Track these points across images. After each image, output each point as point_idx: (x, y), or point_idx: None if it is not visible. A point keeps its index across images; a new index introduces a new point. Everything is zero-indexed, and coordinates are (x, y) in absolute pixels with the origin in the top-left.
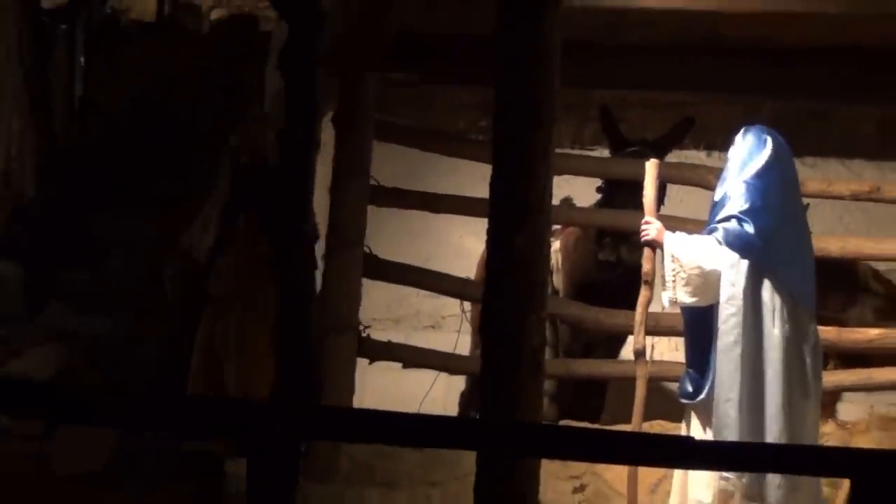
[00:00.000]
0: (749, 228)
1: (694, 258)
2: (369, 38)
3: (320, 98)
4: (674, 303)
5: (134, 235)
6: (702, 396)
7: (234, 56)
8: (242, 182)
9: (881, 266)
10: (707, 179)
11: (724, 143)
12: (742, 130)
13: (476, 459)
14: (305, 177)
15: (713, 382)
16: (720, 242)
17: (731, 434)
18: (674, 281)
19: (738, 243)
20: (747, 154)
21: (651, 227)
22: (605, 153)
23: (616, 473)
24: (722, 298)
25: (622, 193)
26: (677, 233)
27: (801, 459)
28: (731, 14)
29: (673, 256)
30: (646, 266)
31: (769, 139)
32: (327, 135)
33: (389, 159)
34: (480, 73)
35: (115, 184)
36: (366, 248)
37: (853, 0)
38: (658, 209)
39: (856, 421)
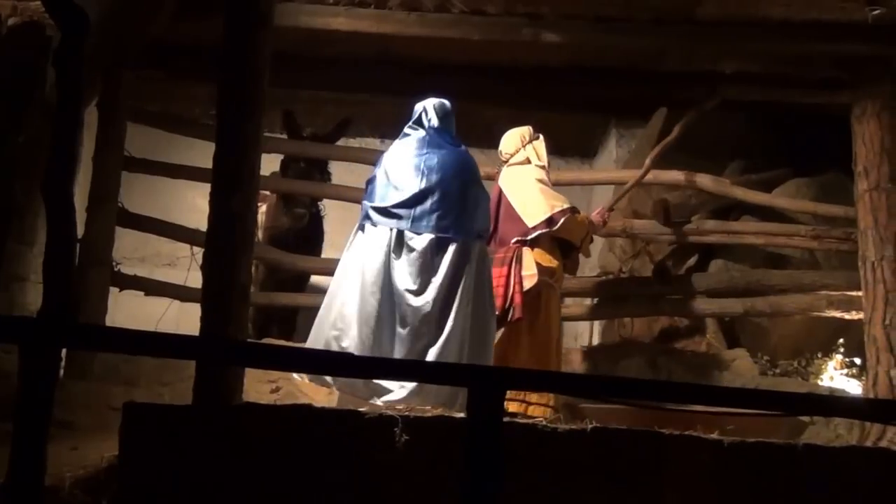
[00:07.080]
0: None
1: None
2: (125, 43)
3: (85, 88)
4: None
5: None
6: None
7: (24, 53)
8: None
9: None
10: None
11: (394, 133)
12: (439, 104)
13: (196, 366)
14: (73, 148)
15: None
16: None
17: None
18: None
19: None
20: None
21: None
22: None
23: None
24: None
25: (296, 168)
26: None
27: (439, 372)
28: (399, 36)
29: None
30: None
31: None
32: (91, 117)
33: (140, 137)
34: (210, 73)
35: None
36: (119, 203)
37: (488, 30)
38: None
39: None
